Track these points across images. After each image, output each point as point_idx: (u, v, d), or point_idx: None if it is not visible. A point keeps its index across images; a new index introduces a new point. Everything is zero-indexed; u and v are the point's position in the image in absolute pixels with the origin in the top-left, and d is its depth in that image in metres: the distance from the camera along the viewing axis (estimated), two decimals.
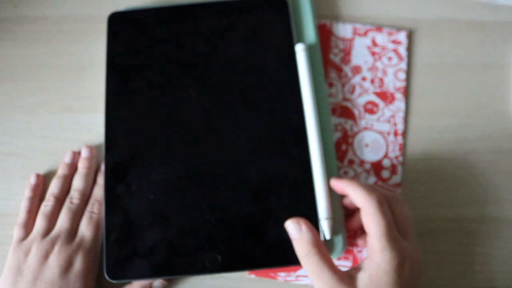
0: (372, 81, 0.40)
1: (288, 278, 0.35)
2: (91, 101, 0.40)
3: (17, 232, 0.34)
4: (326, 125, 0.37)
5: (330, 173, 0.35)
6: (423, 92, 0.40)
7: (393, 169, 0.38)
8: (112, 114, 0.37)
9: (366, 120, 0.39)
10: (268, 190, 0.35)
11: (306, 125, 0.36)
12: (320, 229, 0.33)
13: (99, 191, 0.36)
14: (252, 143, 0.36)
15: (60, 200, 0.36)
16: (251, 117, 0.36)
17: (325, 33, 0.41)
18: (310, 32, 0.39)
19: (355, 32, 0.41)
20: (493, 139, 0.39)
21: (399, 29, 0.41)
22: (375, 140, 0.39)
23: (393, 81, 0.40)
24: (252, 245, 0.33)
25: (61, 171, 0.37)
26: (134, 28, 0.39)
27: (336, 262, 0.36)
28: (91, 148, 0.38)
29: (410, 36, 0.42)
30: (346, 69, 0.40)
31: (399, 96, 0.40)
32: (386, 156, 0.38)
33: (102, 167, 0.37)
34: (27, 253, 0.33)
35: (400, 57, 0.41)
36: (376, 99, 0.40)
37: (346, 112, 0.39)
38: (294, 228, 0.31)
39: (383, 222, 0.29)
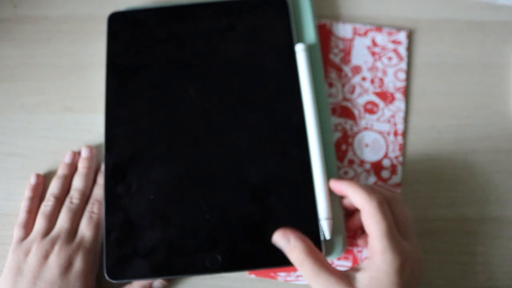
0: (372, 81, 0.40)
1: (288, 278, 0.35)
2: (91, 101, 0.40)
3: (17, 232, 0.34)
4: (326, 125, 0.37)
5: (330, 173, 0.35)
6: (423, 92, 0.40)
7: (393, 169, 0.38)
8: (112, 114, 0.37)
9: (366, 120, 0.39)
10: (268, 190, 0.35)
11: (306, 125, 0.36)
12: (320, 229, 0.33)
13: (99, 191, 0.36)
14: (252, 143, 0.36)
15: (60, 200, 0.36)
16: (251, 117, 0.36)
17: (325, 33, 0.41)
18: (310, 32, 0.39)
19: (355, 32, 0.41)
20: (493, 139, 0.39)
21: (399, 29, 0.41)
22: (375, 140, 0.39)
23: (393, 81, 0.40)
24: (252, 245, 0.33)
25: (61, 171, 0.37)
26: (134, 28, 0.39)
27: (336, 262, 0.36)
28: (91, 148, 0.38)
29: (410, 36, 0.42)
30: (346, 69, 0.40)
31: (399, 96, 0.40)
32: (386, 156, 0.38)
33: (102, 167, 0.37)
34: (27, 253, 0.33)
35: (400, 57, 0.41)
36: (376, 99, 0.40)
37: (346, 112, 0.39)
38: (283, 242, 0.30)
39: (384, 223, 0.29)
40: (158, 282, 0.34)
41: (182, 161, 0.36)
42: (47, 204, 0.35)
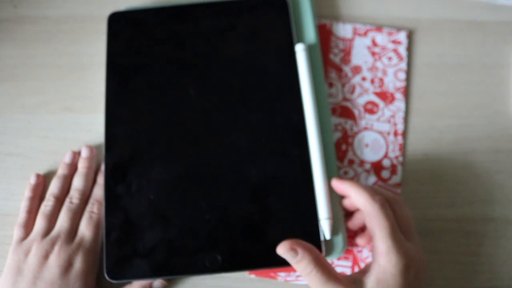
0: (372, 81, 0.40)
1: (288, 278, 0.35)
2: (91, 101, 0.40)
3: (17, 232, 0.34)
4: (326, 125, 0.37)
5: (330, 173, 0.35)
6: (423, 92, 0.40)
7: (393, 169, 0.38)
8: (112, 114, 0.37)
9: (366, 120, 0.39)
10: (268, 190, 0.35)
11: (306, 125, 0.36)
12: (320, 229, 0.33)
13: (99, 191, 0.36)
14: (252, 143, 0.36)
15: (60, 200, 0.36)
16: (251, 117, 0.36)
17: (325, 33, 0.41)
18: (310, 32, 0.39)
19: (355, 32, 0.41)
20: (493, 139, 0.39)
21: (399, 29, 0.41)
22: (375, 140, 0.39)
23: (393, 81, 0.40)
24: (252, 245, 0.33)
25: (61, 171, 0.37)
26: (134, 28, 0.39)
27: (336, 262, 0.36)
28: (91, 148, 0.38)
29: (410, 36, 0.42)
30: (346, 69, 0.40)
31: (399, 96, 0.40)
32: (386, 156, 0.38)
33: (102, 167, 0.37)
34: (27, 253, 0.33)
35: (400, 57, 0.41)
36: (376, 99, 0.40)
37: (346, 112, 0.39)
38: (290, 256, 0.29)
39: (387, 224, 0.29)
40: (158, 282, 0.34)
41: (182, 161, 0.36)
42: (47, 204, 0.35)
